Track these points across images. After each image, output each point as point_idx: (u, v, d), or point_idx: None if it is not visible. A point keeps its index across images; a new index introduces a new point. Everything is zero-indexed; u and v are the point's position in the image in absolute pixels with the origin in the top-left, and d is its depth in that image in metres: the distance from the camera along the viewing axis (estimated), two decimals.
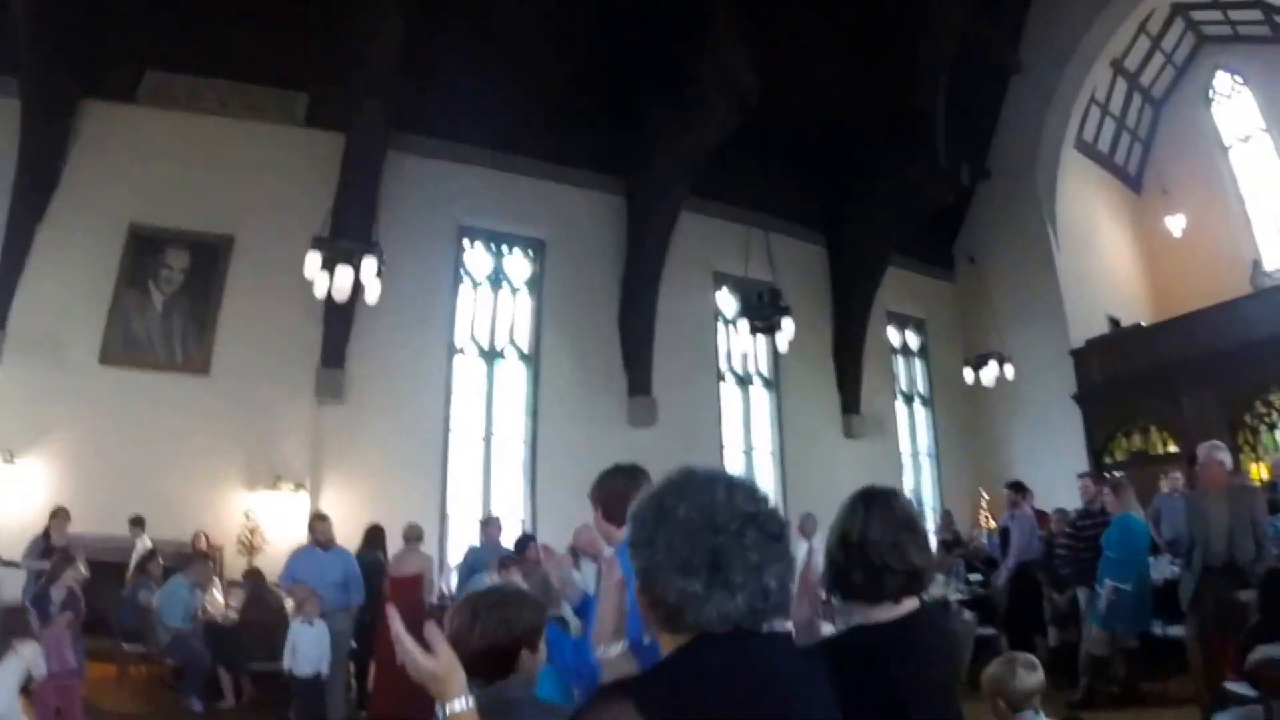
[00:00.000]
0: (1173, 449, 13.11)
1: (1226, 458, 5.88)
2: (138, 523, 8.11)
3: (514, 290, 11.77)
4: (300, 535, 7.77)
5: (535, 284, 11.86)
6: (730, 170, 12.10)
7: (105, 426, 8.84)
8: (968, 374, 13.74)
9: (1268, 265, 15.76)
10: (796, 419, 13.32)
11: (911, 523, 1.87)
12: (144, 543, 8.04)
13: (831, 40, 12.14)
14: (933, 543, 11.38)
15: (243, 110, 10.02)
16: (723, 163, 11.61)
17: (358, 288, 8.23)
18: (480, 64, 10.21)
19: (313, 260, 8.08)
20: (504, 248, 11.82)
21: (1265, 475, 10.92)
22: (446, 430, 10.64)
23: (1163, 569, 7.23)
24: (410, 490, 9.55)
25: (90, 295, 9.25)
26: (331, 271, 8.08)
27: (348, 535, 7.68)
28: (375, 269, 8.23)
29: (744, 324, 10.82)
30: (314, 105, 10.22)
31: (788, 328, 10.60)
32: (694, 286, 12.29)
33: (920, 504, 14.41)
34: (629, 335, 11.64)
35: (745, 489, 1.23)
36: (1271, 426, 12.83)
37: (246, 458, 9.21)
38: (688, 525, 1.15)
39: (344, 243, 8.31)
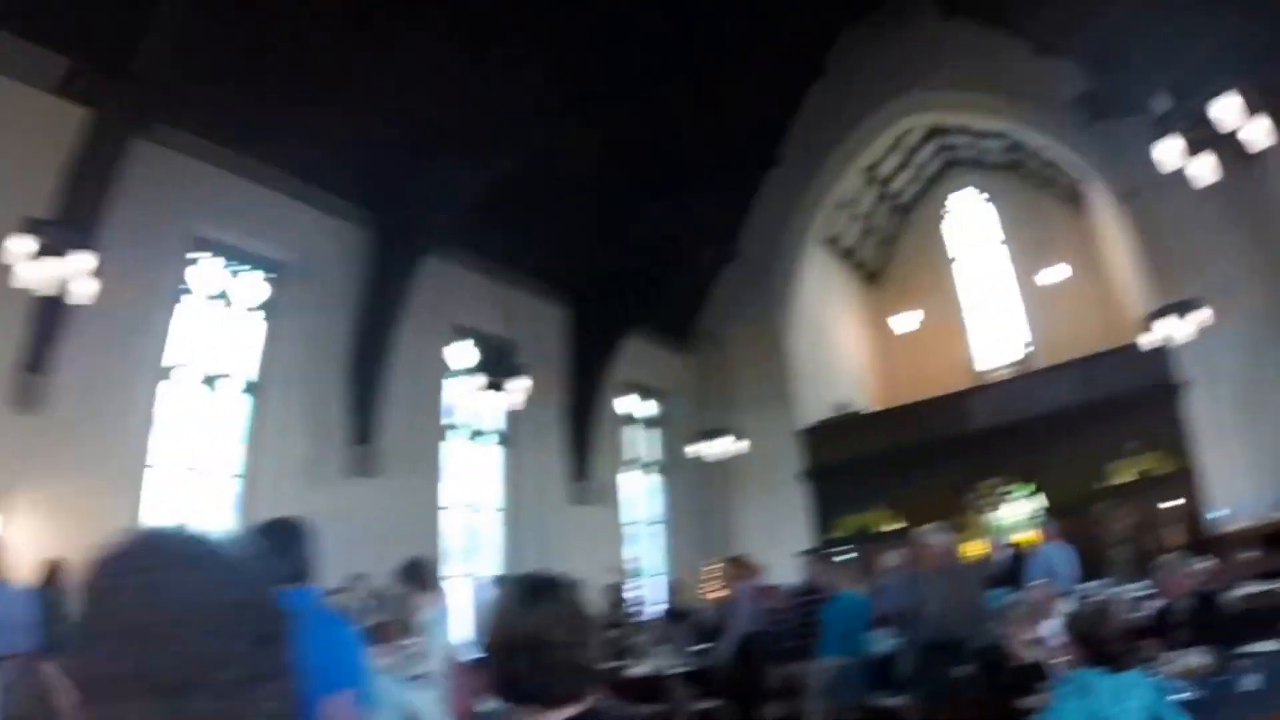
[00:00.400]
0: (896, 527, 15.31)
1: (944, 540, 6.61)
2: None
3: (246, 312, 11.55)
4: None
5: (270, 309, 11.79)
6: (484, 220, 13.07)
7: None
8: (699, 447, 15.48)
9: (985, 365, 18.96)
10: (527, 480, 14.49)
11: (587, 618, 1.87)
12: None
13: (607, 110, 13.65)
14: (660, 612, 13.01)
15: None
16: (477, 211, 12.68)
17: (67, 284, 7.71)
18: (252, 66, 10.25)
19: (20, 245, 7.42)
20: (240, 265, 11.57)
21: (980, 553, 13.05)
22: (146, 455, 10.12)
23: (883, 643, 7.98)
24: (108, 518, 8.75)
25: None
26: (41, 261, 7.48)
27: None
28: (92, 267, 7.70)
29: (477, 379, 11.40)
30: (71, 74, 9.47)
31: (519, 386, 11.37)
32: (432, 335, 13.02)
33: (639, 573, 16.12)
34: (358, 379, 12.06)
35: (231, 565, 0.93)
36: (987, 509, 15.63)
37: None
38: (134, 622, 0.83)
39: (60, 231, 7.73)
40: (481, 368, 11.74)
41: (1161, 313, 12.36)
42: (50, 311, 8.95)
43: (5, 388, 8.92)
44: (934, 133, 19.75)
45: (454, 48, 11.47)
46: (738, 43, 14.50)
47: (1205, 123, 7.68)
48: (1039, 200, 19.40)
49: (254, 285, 11.82)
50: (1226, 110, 7.36)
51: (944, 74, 16.37)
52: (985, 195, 20.70)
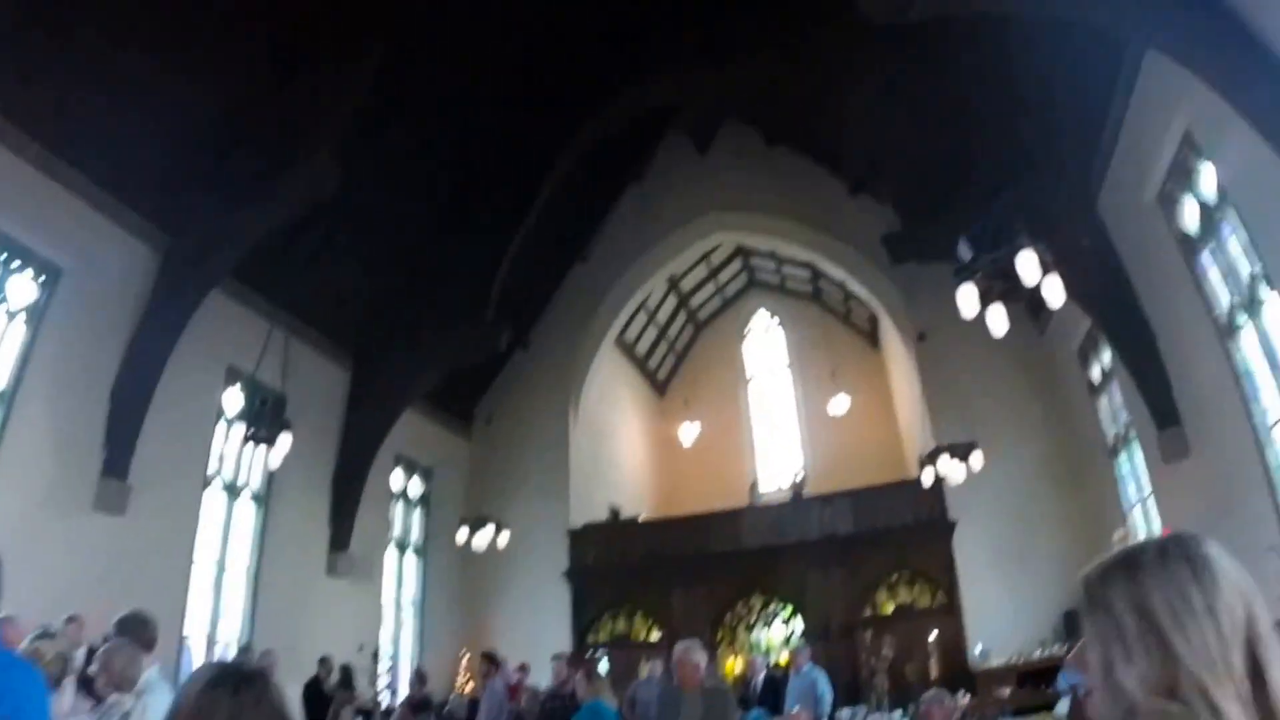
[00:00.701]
0: (656, 637, 16.30)
1: (702, 658, 6.73)
2: None
3: (9, 312, 11.00)
4: None
5: (36, 314, 11.28)
6: (276, 264, 13.43)
7: None
8: (462, 533, 15.88)
9: (763, 486, 20.39)
10: (281, 544, 14.34)
11: (286, 714, 1.82)
12: None
13: (418, 176, 14.47)
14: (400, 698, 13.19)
15: None
16: (271, 254, 12.97)
17: None
18: (62, 63, 10.31)
19: None
20: (13, 259, 11.07)
21: (739, 670, 14.27)
22: None
23: None
24: None
25: None
26: None
27: None
28: None
29: (239, 429, 11.45)
30: None
31: (283, 444, 11.47)
32: (204, 373, 12.94)
33: (397, 657, 16.20)
34: (118, 407, 11.79)
35: None
36: (749, 627, 16.63)
37: None
38: None
39: None
40: (247, 417, 11.82)
41: (939, 452, 13.84)
42: None
43: None
44: (741, 253, 21.49)
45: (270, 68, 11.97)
46: (558, 135, 15.70)
47: (1001, 276, 8.94)
48: (834, 332, 21.37)
49: (24, 285, 11.28)
50: (1025, 265, 8.62)
51: (760, 198, 18.08)
52: (777, 320, 22.56)
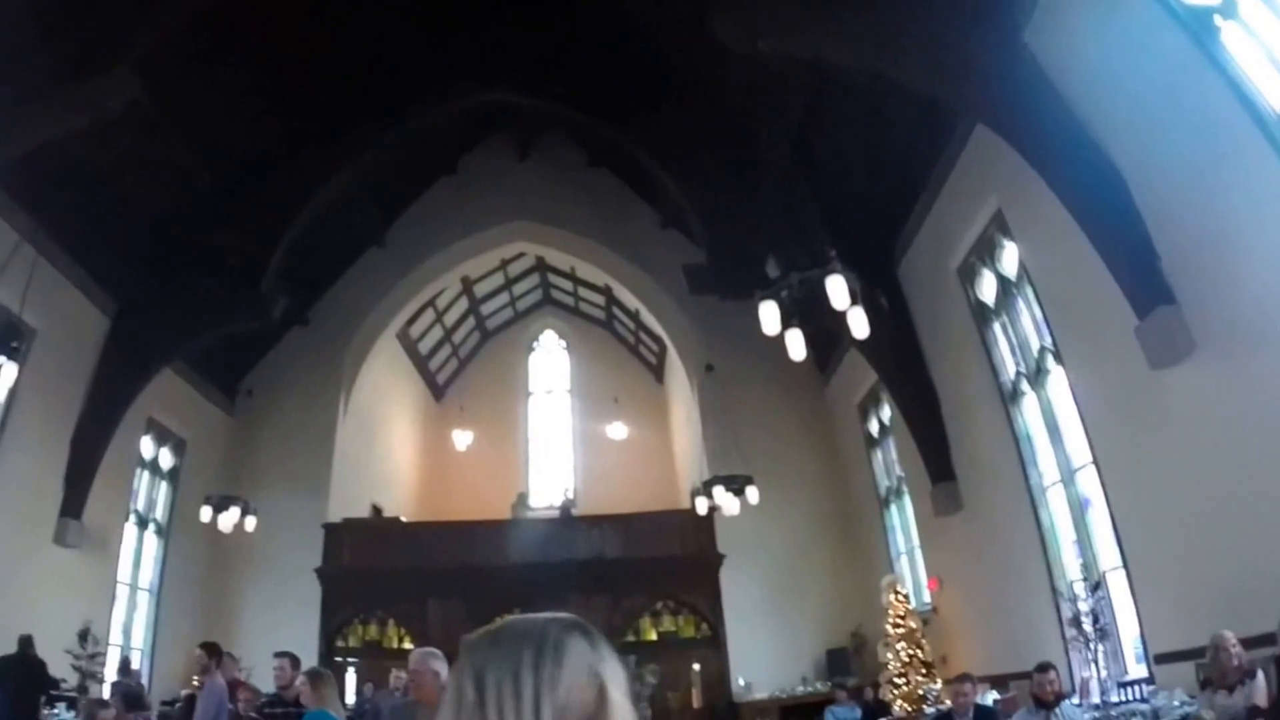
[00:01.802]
0: (408, 646, 15.16)
1: (442, 667, 5.81)
2: None
3: None
4: None
5: None
6: (58, 184, 12.06)
7: None
8: (205, 512, 14.41)
9: (533, 502, 19.96)
10: (3, 498, 12.29)
11: None
12: None
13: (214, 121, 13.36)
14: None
15: None
16: (56, 172, 11.67)
17: None
18: None
19: None
20: None
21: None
22: None
23: None
24: None
25: None
26: None
27: None
28: None
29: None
30: None
31: (7, 375, 10.07)
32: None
33: (127, 645, 14.55)
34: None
35: None
36: None
37: None
38: None
39: None
40: None
41: (715, 482, 13.88)
42: None
43: None
44: (540, 268, 21.16)
45: None
46: (380, 109, 14.91)
47: (803, 302, 8.94)
48: (622, 360, 21.37)
49: None
50: (835, 289, 8.56)
51: (570, 214, 17.81)
52: (565, 344, 22.34)
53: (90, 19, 10.80)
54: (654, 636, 15.57)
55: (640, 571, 15.60)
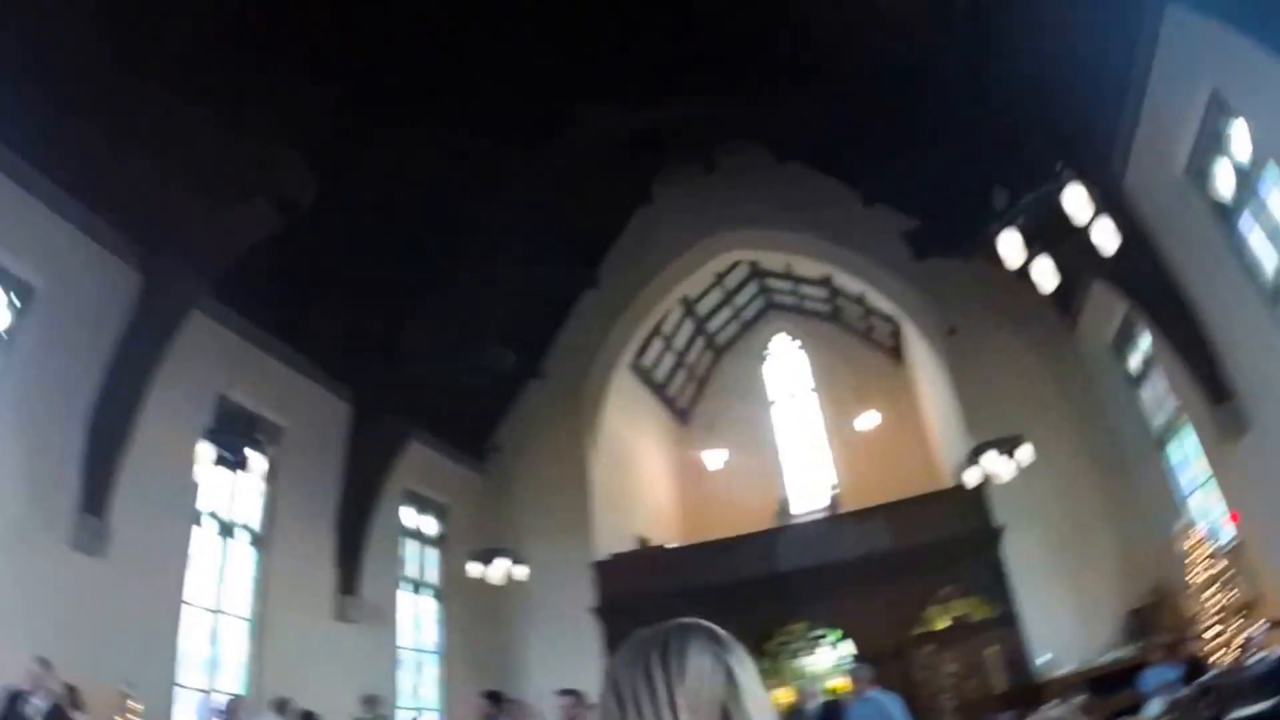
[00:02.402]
0: None
1: None
2: None
3: None
4: None
5: (8, 337, 10.63)
6: (269, 287, 12.73)
7: None
8: (474, 568, 14.74)
9: (793, 508, 19.37)
10: (283, 589, 13.29)
11: None
12: None
13: (414, 207, 13.66)
14: None
15: None
16: (263, 276, 12.26)
17: None
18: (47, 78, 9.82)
19: None
20: None
21: (792, 700, 12.85)
22: None
23: None
24: None
25: None
26: None
27: None
28: None
29: (206, 449, 10.44)
30: None
31: (257, 466, 10.63)
32: (187, 404, 11.97)
33: (419, 706, 15.10)
34: (97, 436, 10.98)
35: None
36: (794, 654, 15.53)
37: None
38: None
39: None
40: (211, 436, 10.74)
41: (983, 449, 12.78)
42: None
43: None
44: (756, 274, 20.71)
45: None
46: (561, 157, 14.80)
47: (1042, 226, 8.03)
48: (856, 349, 20.49)
49: None
50: (1073, 201, 7.61)
51: (772, 213, 17.26)
52: (799, 343, 21.67)
53: (255, 123, 11.37)
54: (945, 624, 14.55)
55: (916, 559, 14.67)
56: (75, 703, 8.68)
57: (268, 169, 11.21)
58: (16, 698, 7.20)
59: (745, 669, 1.29)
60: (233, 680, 12.33)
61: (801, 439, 21.04)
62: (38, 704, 7.12)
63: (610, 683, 1.32)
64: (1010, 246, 8.06)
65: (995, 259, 8.47)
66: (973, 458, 12.98)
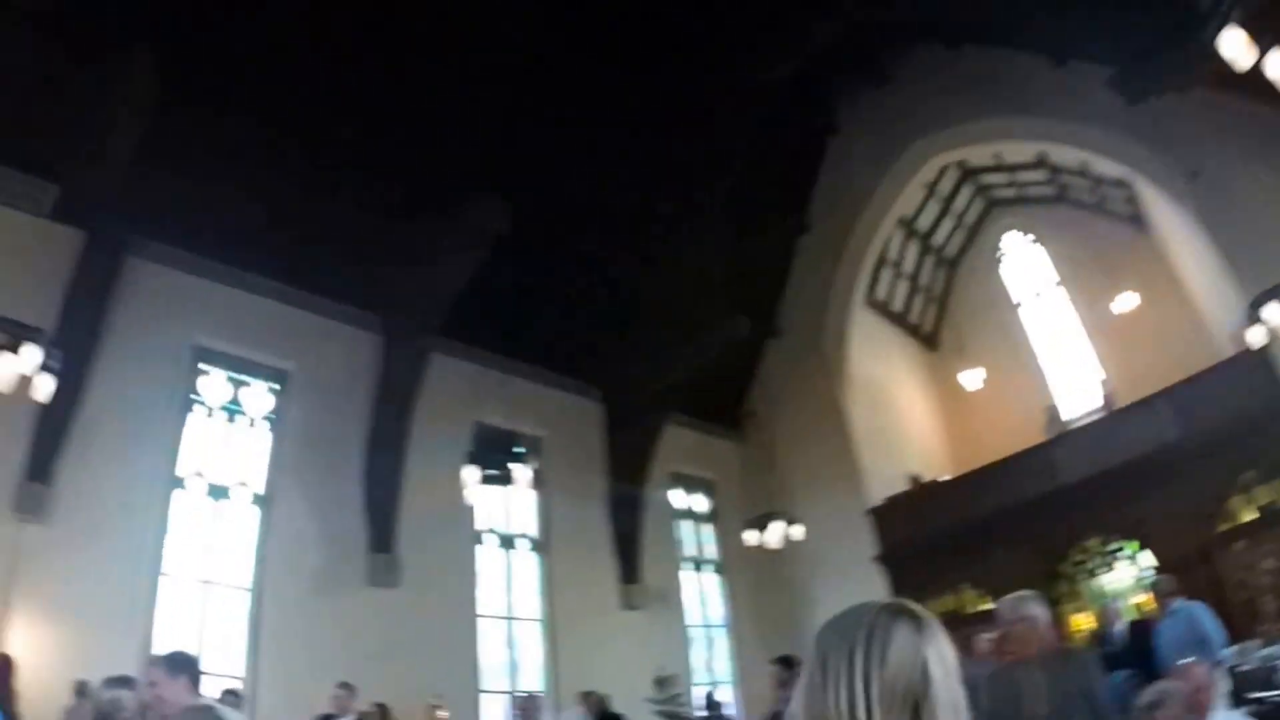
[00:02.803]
0: (987, 607, 13.52)
1: (1040, 611, 4.82)
2: None
3: (251, 423, 12.14)
4: None
5: (276, 419, 12.33)
6: (498, 315, 13.51)
7: None
8: (750, 536, 14.79)
9: (1064, 415, 18.29)
10: (569, 586, 14.24)
11: None
12: None
13: (611, 190, 13.90)
14: None
15: None
16: (487, 304, 13.01)
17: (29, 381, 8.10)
18: (235, 175, 10.95)
19: None
20: (244, 375, 12.33)
21: (1094, 625, 12.00)
22: (159, 568, 10.70)
23: None
24: (114, 627, 9.52)
25: None
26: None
27: (37, 677, 8.37)
28: (40, 362, 8.02)
29: (472, 473, 11.25)
30: (63, 199, 10.59)
31: (523, 477, 11.34)
32: (451, 437, 12.91)
33: (714, 680, 15.51)
34: (374, 485, 12.31)
35: None
36: (1091, 574, 14.28)
37: None
38: None
39: (8, 325, 8.00)
40: (476, 459, 11.61)
41: (1261, 301, 11.00)
42: (52, 424, 9.87)
43: (10, 496, 9.62)
44: (967, 174, 19.73)
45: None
46: (745, 106, 14.72)
47: (1268, 15, 7.05)
48: (1093, 227, 18.97)
49: (260, 395, 12.38)
50: None
51: (961, 106, 16.37)
52: (1031, 236, 20.46)
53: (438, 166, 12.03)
54: (1252, 515, 12.50)
55: (1209, 445, 12.83)
56: (386, 718, 9.89)
57: (468, 209, 11.85)
58: None
59: (941, 661, 1.33)
60: (532, 680, 13.37)
61: (1058, 338, 19.80)
62: None
63: (818, 655, 1.37)
64: (1234, 46, 7.11)
65: (1222, 78, 7.65)
66: (1251, 314, 11.33)
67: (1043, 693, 4.52)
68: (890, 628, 1.34)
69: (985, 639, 9.27)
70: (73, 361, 9.38)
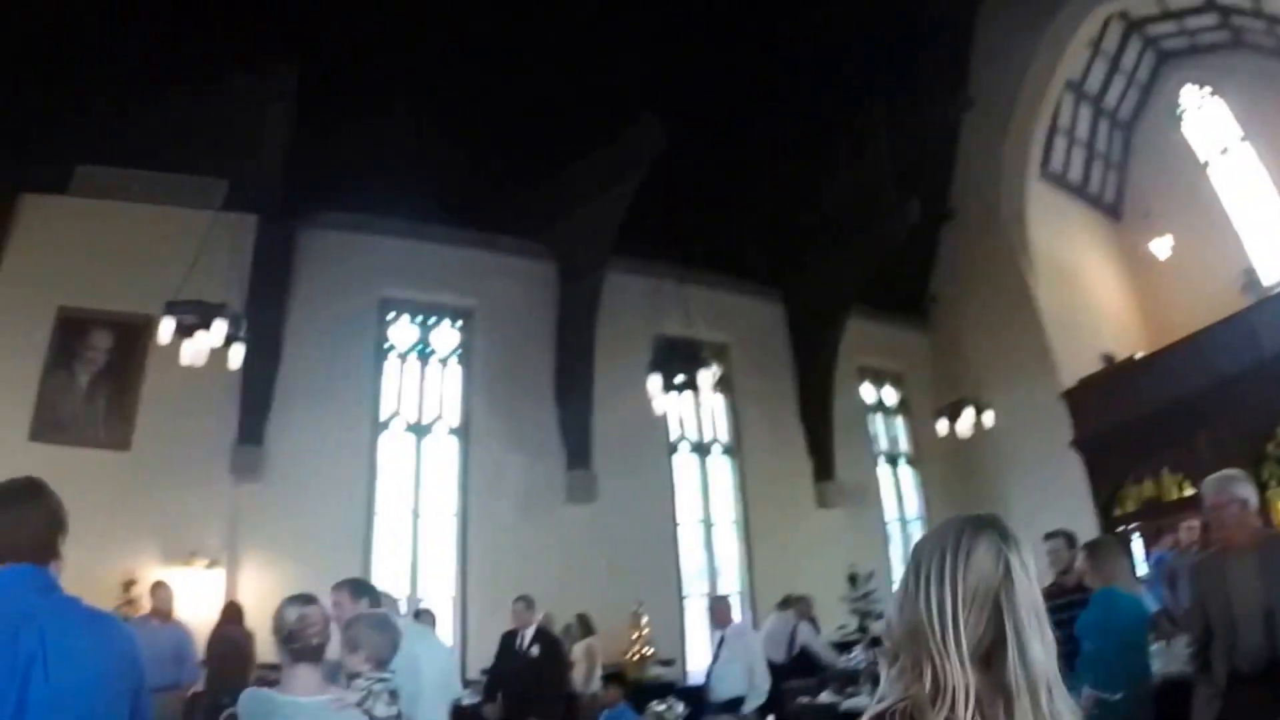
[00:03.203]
0: (1190, 493, 12.97)
1: (1249, 492, 4.26)
2: None
3: (442, 362, 13.05)
4: (213, 614, 9.44)
5: (464, 355, 13.15)
6: (667, 227, 13.30)
7: None
8: (941, 425, 14.36)
9: (1264, 279, 17.06)
10: (763, 488, 14.39)
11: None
12: None
13: (767, 90, 13.63)
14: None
15: (165, 197, 11.49)
16: (658, 220, 12.86)
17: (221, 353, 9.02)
18: (390, 132, 11.47)
19: (166, 326, 8.74)
20: (430, 319, 13.23)
21: None
22: (372, 507, 11.92)
23: (1177, 659, 5.57)
24: (333, 569, 10.04)
25: (22, 376, 10.96)
26: (190, 336, 8.76)
27: (266, 624, 8.81)
28: (227, 333, 8.84)
29: (656, 383, 11.15)
30: (232, 190, 11.64)
31: (707, 382, 11.20)
32: (635, 352, 12.99)
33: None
34: (565, 405, 12.85)
35: None
36: None
37: (163, 533, 10.53)
38: None
39: (196, 306, 8.90)
40: (657, 367, 11.49)
41: None
42: (257, 390, 11.20)
43: (227, 460, 11.13)
44: (1132, 27, 18.34)
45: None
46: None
47: None
48: (1275, 74, 17.47)
49: (447, 334, 13.26)
50: None
51: None
52: (1208, 89, 18.97)
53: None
54: None
55: None
56: (586, 628, 10.57)
57: (627, 132, 11.97)
58: (511, 635, 8.46)
59: (1024, 567, 1.48)
60: (730, 583, 13.79)
61: (1249, 197, 18.38)
62: (526, 634, 8.25)
63: (913, 564, 1.51)
64: None
65: None
66: None
67: (1256, 584, 4.05)
68: (976, 536, 1.48)
69: (1187, 527, 8.90)
70: (267, 332, 10.90)
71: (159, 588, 8.41)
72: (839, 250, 14.97)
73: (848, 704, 8.08)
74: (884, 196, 14.70)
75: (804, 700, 8.79)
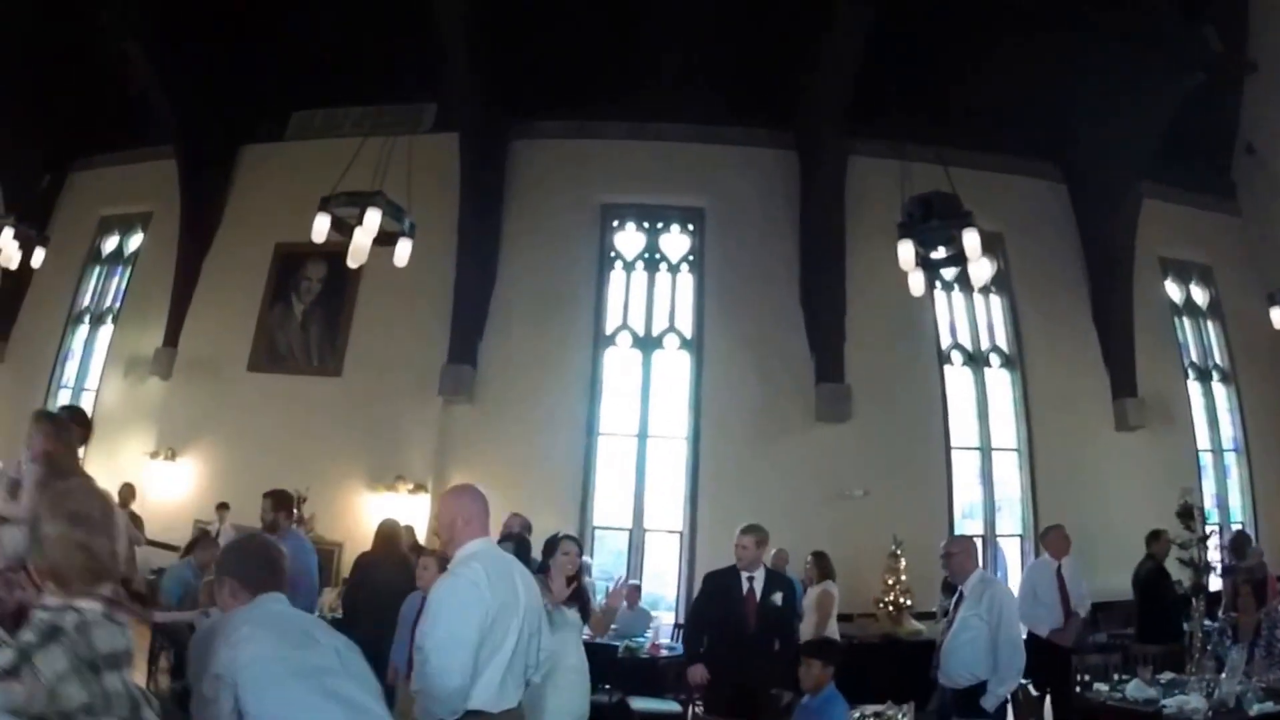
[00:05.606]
0: None
1: None
2: (223, 507, 10.58)
3: (672, 270, 12.50)
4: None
5: (695, 260, 12.42)
6: (919, 101, 11.42)
7: (251, 428, 11.67)
8: (1276, 316, 11.42)
9: None
10: (1050, 407, 12.32)
11: None
12: (225, 527, 10.03)
13: None
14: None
15: (375, 128, 11.24)
16: (914, 93, 11.11)
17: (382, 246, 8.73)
18: (600, 31, 11.28)
19: (321, 223, 8.49)
20: (656, 224, 12.71)
21: None
22: (594, 430, 11.69)
23: None
24: (549, 492, 10.46)
25: (243, 311, 12.13)
26: (350, 233, 8.41)
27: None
28: (378, 222, 8.40)
29: (907, 251, 8.53)
30: (441, 112, 12.12)
31: (973, 245, 8.21)
32: (892, 246, 11.19)
33: (1228, 516, 12.99)
34: (812, 311, 11.58)
35: None
36: None
37: (371, 457, 11.08)
38: None
39: (352, 197, 8.61)
40: (907, 233, 8.71)
41: None
42: (470, 309, 11.57)
43: (436, 381, 11.35)
44: None
45: None
46: None
47: None
48: None
49: (676, 239, 12.72)
50: None
51: None
52: None
53: None
54: None
55: None
56: (824, 569, 8.96)
57: None
58: (727, 574, 6.39)
59: None
60: (1010, 519, 12.26)
61: None
62: (757, 576, 6.14)
63: None
64: None
65: None
66: None
67: None
68: None
69: None
70: (481, 250, 11.48)
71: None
72: (1126, 118, 12.40)
73: (1170, 703, 5.64)
74: (1169, 30, 11.93)
75: (1100, 690, 6.21)
